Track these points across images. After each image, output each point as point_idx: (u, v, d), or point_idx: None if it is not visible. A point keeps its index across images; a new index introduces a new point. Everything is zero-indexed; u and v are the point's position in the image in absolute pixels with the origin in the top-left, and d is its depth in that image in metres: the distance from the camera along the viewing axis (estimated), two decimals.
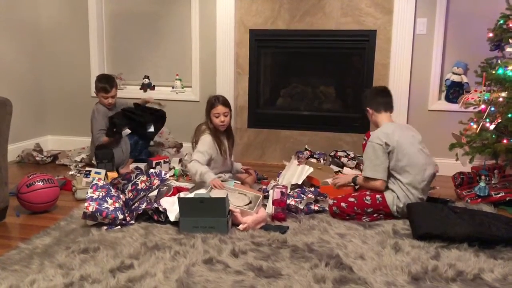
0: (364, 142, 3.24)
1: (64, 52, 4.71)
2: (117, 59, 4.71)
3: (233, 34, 4.26)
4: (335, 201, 2.95)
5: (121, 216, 2.68)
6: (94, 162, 3.76)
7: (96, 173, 3.38)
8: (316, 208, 2.95)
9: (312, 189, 3.19)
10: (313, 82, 4.43)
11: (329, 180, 3.27)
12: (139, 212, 2.75)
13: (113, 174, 3.44)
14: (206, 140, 3.22)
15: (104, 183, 2.81)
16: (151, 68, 4.62)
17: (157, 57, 4.59)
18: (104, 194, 2.72)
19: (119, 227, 2.66)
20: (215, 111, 3.23)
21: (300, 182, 3.20)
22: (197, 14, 4.34)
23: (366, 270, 2.18)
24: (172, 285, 2.01)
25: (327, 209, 2.97)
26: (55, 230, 2.63)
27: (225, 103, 3.27)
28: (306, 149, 4.07)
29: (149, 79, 4.58)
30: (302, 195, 3.04)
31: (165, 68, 4.59)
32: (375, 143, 2.89)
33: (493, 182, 3.25)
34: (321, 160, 3.91)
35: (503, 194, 3.12)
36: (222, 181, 3.06)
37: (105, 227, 2.64)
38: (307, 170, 3.29)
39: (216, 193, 2.76)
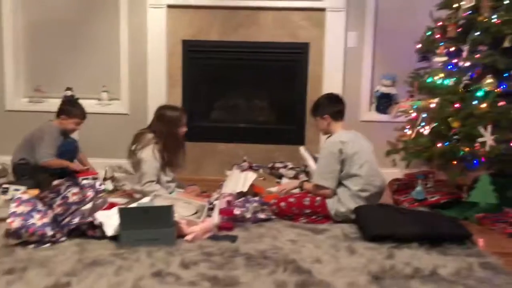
0: None
1: None
2: (35, 69, 4.32)
3: (165, 45, 4.10)
4: (275, 201, 2.94)
5: (50, 233, 2.37)
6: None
7: (15, 190, 3.04)
8: (264, 216, 2.85)
9: (257, 198, 3.09)
10: (248, 94, 4.37)
11: (274, 189, 3.19)
12: (71, 228, 2.46)
13: (34, 192, 3.08)
14: (155, 154, 3.10)
15: (30, 196, 2.49)
16: (75, 79, 4.28)
17: (82, 67, 4.28)
18: (30, 209, 2.41)
19: (48, 244, 2.35)
20: (184, 121, 3.21)
21: (245, 189, 3.09)
22: (126, 22, 4.12)
23: (326, 273, 2.10)
24: None
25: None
26: None
27: None
28: (244, 160, 3.97)
29: (72, 91, 4.24)
30: (247, 204, 2.92)
31: (90, 80, 4.28)
32: (329, 150, 2.87)
33: (428, 186, 3.36)
34: (260, 171, 3.83)
35: (438, 197, 3.23)
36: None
37: (31, 246, 2.32)
38: (251, 176, 3.19)
39: (160, 202, 2.56)
